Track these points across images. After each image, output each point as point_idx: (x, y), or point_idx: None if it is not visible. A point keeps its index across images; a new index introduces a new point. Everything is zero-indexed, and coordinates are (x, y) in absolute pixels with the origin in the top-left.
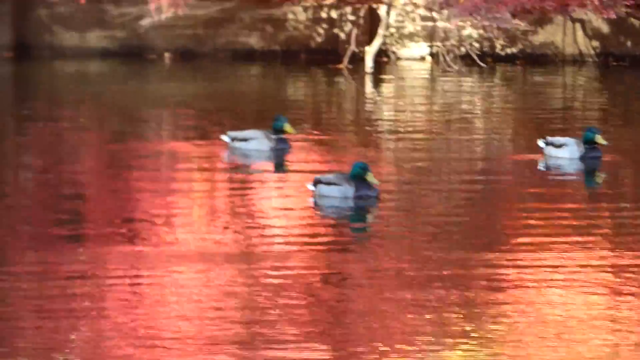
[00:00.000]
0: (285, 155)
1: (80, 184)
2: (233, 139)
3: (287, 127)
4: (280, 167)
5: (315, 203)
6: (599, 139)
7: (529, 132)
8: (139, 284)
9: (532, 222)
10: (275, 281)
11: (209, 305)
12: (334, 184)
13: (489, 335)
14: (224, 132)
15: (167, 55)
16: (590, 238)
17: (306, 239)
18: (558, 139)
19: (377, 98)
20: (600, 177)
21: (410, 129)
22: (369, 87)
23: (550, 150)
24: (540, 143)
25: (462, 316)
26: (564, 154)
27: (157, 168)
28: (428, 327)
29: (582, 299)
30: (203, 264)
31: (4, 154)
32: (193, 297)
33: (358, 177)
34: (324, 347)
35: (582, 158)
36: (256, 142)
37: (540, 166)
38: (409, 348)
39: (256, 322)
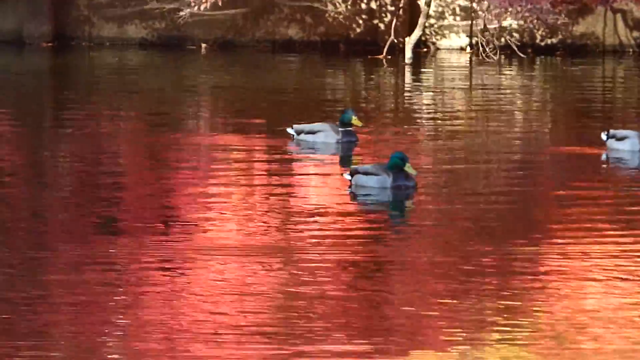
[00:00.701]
0: (352, 148)
1: (119, 174)
2: (299, 132)
3: (355, 119)
4: (346, 160)
5: (352, 193)
6: None
7: (572, 123)
8: (175, 275)
9: (575, 212)
10: (312, 273)
11: (245, 298)
12: (372, 174)
13: (526, 327)
14: (287, 126)
15: (204, 46)
16: (637, 231)
17: (343, 231)
18: (620, 132)
19: (416, 89)
20: None
21: (448, 120)
22: (408, 77)
23: (612, 143)
24: (603, 136)
25: (500, 307)
26: (624, 146)
27: (197, 159)
28: (465, 320)
29: (621, 291)
30: (241, 256)
31: (43, 143)
32: (230, 289)
33: (396, 168)
34: (362, 340)
35: None
36: (323, 135)
37: (602, 159)
38: (447, 339)
39: (294, 315)
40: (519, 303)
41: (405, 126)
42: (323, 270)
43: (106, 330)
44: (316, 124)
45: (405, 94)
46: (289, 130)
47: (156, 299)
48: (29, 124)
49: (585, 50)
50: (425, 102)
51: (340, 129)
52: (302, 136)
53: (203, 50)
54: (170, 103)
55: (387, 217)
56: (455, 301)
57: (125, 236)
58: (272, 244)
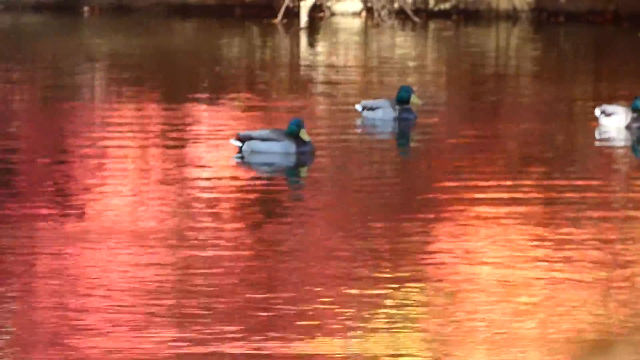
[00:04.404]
0: (410, 125)
1: (11, 150)
2: (364, 108)
3: (414, 98)
4: (402, 136)
5: (243, 160)
6: None
7: (460, 85)
8: (67, 259)
9: (465, 185)
10: (205, 257)
11: (137, 281)
12: (273, 139)
13: (421, 308)
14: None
15: (86, 9)
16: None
17: (237, 210)
18: (609, 107)
19: (311, 53)
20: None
21: (343, 84)
22: (303, 42)
23: (601, 119)
24: (596, 111)
25: (395, 290)
26: (612, 122)
27: (92, 132)
28: (360, 303)
29: (513, 267)
30: (133, 239)
31: None
32: (119, 273)
33: (293, 134)
34: (256, 328)
35: (628, 127)
36: (382, 112)
37: (595, 136)
38: (341, 324)
39: (186, 302)
40: (414, 284)
41: (300, 92)
42: (216, 254)
43: None
44: (379, 100)
45: (301, 59)
46: (357, 106)
47: (44, 285)
48: None
49: (479, 15)
50: (319, 66)
51: (397, 106)
52: (365, 112)
53: (86, 13)
54: (65, 70)
55: (284, 191)
56: (347, 287)
57: (16, 218)
58: (165, 225)
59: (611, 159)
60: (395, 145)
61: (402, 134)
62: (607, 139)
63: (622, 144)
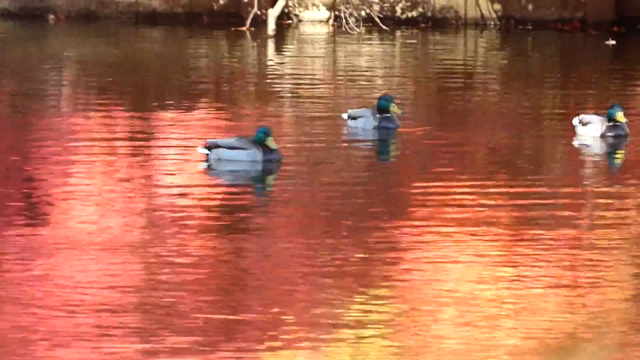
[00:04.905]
0: (391, 134)
1: None
2: (349, 117)
3: (393, 106)
4: (377, 145)
5: (211, 168)
6: (619, 116)
7: (428, 93)
8: (33, 269)
9: (432, 197)
10: (172, 266)
11: (103, 293)
12: (240, 148)
13: (384, 321)
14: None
15: (51, 17)
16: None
17: (204, 220)
18: (586, 117)
19: (279, 61)
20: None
21: (310, 92)
22: (270, 49)
23: (578, 129)
24: (575, 121)
25: (357, 303)
26: (588, 132)
27: (58, 140)
28: (319, 316)
29: (477, 274)
30: (99, 249)
31: None
32: (88, 284)
33: (260, 142)
34: (215, 337)
35: (602, 136)
36: (363, 121)
37: (574, 145)
38: (300, 336)
39: (149, 315)
40: (381, 294)
41: (268, 99)
42: (181, 263)
43: None
44: (362, 109)
45: (268, 67)
46: (343, 115)
47: (12, 293)
48: None
49: (447, 23)
50: (287, 74)
51: (377, 115)
52: (349, 121)
53: (51, 21)
54: (32, 78)
55: (249, 200)
56: (313, 299)
57: None
58: (130, 235)
59: (583, 166)
60: (365, 153)
61: (378, 142)
62: (582, 148)
63: (595, 152)
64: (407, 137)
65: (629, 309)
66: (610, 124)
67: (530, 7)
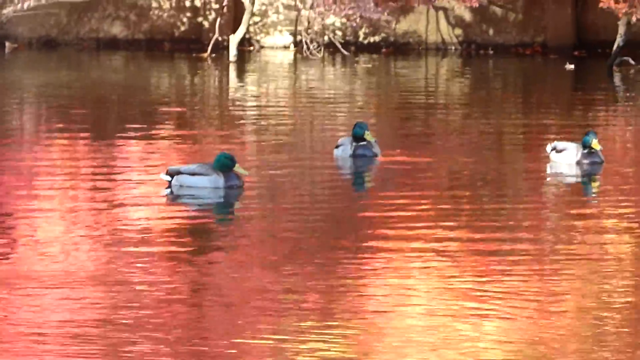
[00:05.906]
0: (367, 162)
1: None
2: (336, 146)
3: (367, 134)
4: (359, 175)
5: (173, 194)
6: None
7: (389, 118)
8: None
9: (396, 215)
10: (132, 299)
11: (65, 328)
12: (201, 174)
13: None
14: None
15: (8, 45)
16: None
17: (167, 245)
18: (561, 144)
19: (240, 87)
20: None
21: (272, 118)
22: (232, 75)
23: (553, 155)
24: (548, 148)
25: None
26: (563, 158)
27: (18, 170)
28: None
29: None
30: (60, 284)
31: None
32: (47, 314)
33: (225, 168)
34: None
35: (578, 163)
36: (341, 149)
37: (547, 171)
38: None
39: (109, 338)
40: (341, 323)
41: (230, 125)
42: (145, 290)
43: None
44: (342, 138)
45: (230, 93)
46: (335, 152)
47: None
48: None
49: (409, 48)
50: (249, 100)
51: (353, 143)
52: (335, 150)
53: (7, 49)
54: None
55: (212, 226)
56: (276, 327)
57: None
58: (93, 264)
59: (554, 193)
60: (328, 179)
61: (349, 170)
62: (555, 174)
63: (570, 178)
64: (381, 165)
65: (587, 338)
66: (585, 151)
67: (491, 31)
